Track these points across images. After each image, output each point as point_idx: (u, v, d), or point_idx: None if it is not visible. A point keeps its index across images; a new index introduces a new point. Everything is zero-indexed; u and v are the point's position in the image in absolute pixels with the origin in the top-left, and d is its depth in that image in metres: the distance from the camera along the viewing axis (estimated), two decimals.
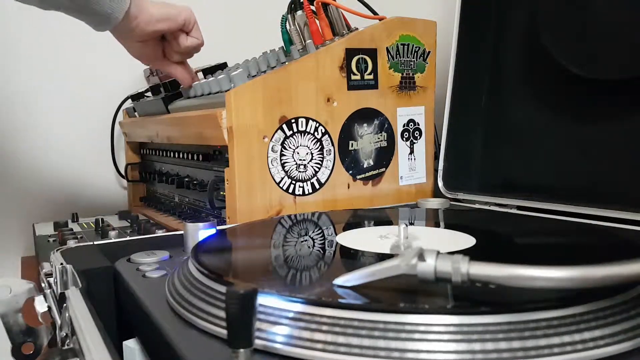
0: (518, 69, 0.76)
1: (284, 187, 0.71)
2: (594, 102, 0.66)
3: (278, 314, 0.31)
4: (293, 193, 0.71)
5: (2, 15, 1.07)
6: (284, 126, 0.70)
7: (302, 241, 0.50)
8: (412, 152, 0.82)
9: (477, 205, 0.75)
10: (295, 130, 0.71)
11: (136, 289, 0.43)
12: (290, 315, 0.30)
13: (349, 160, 0.76)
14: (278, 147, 0.70)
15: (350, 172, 0.76)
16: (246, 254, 0.49)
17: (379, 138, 0.79)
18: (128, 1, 0.67)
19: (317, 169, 0.73)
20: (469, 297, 0.31)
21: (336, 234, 0.52)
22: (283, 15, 0.80)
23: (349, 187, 0.76)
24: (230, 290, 0.26)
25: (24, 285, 0.46)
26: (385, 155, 0.80)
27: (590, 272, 0.27)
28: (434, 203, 0.73)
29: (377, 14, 0.85)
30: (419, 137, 0.83)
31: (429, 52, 0.82)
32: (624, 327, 0.29)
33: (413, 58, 0.81)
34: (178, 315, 0.36)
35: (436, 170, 0.82)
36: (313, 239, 0.51)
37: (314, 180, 0.73)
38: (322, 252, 0.47)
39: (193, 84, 0.81)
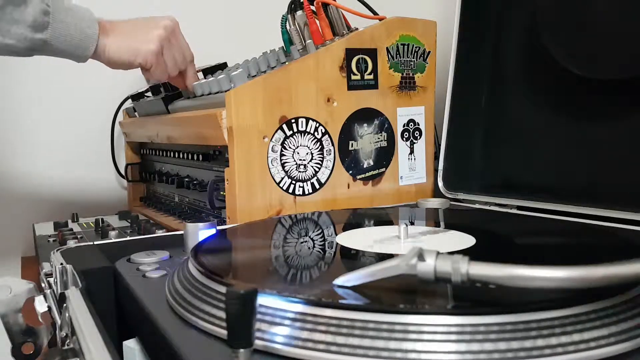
0: (518, 69, 0.76)
1: (284, 187, 0.71)
2: (594, 102, 0.66)
3: (278, 314, 0.31)
4: (293, 193, 0.71)
5: None
6: (284, 126, 0.70)
7: (302, 241, 0.50)
8: (412, 152, 0.82)
9: (477, 205, 0.75)
10: (295, 130, 0.71)
11: (136, 289, 0.43)
12: (290, 315, 0.30)
13: (349, 160, 0.76)
14: (278, 147, 0.70)
15: (350, 172, 0.76)
16: (246, 254, 0.49)
17: (379, 138, 0.79)
18: (93, 47, 0.70)
19: (317, 169, 0.73)
20: (468, 297, 0.31)
21: (336, 234, 0.52)
22: (283, 15, 0.80)
23: (349, 187, 0.76)
24: (230, 290, 0.26)
25: (24, 285, 0.46)
26: (385, 155, 0.80)
27: (590, 272, 0.27)
28: (434, 203, 0.73)
29: (377, 14, 0.85)
30: (419, 137, 0.83)
31: (429, 52, 0.82)
32: (624, 327, 0.29)
33: (413, 58, 0.81)
34: (178, 315, 0.36)
35: (436, 170, 0.82)
36: (313, 239, 0.51)
37: (314, 180, 0.73)
38: (322, 252, 0.47)
39: (193, 84, 0.81)
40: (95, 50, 0.70)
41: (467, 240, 0.47)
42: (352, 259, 0.44)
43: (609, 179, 0.64)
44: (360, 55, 0.76)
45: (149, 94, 1.03)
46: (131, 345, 0.40)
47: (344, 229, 0.54)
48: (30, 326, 0.46)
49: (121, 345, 0.40)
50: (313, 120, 0.72)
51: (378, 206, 0.75)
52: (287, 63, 0.75)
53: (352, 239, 0.49)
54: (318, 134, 0.73)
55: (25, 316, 0.46)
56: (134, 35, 0.74)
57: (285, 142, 0.70)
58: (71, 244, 0.70)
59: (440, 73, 0.84)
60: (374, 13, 0.86)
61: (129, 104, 1.12)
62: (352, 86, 0.75)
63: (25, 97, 1.10)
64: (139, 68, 0.76)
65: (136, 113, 1.05)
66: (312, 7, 0.77)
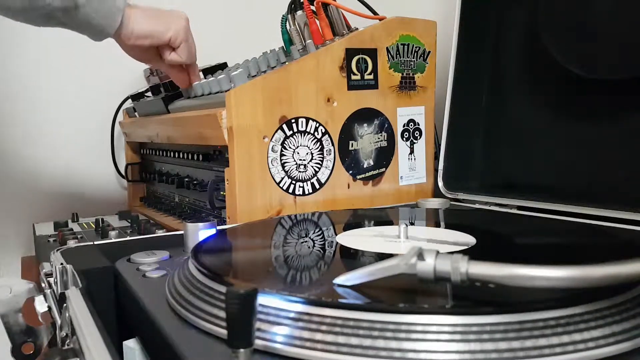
0: (518, 69, 0.76)
1: (284, 187, 0.71)
2: (594, 102, 0.66)
3: (278, 314, 0.31)
4: (293, 193, 0.71)
5: (3, 17, 1.07)
6: (284, 126, 0.70)
7: (302, 241, 0.50)
8: (412, 152, 0.82)
9: (477, 205, 0.75)
10: (295, 130, 0.71)
11: (136, 289, 0.43)
12: (291, 315, 0.30)
13: (349, 160, 0.76)
14: (278, 147, 0.70)
15: (350, 172, 0.76)
16: (246, 254, 0.49)
17: (379, 138, 0.79)
18: (119, 19, 0.69)
19: (317, 169, 0.73)
20: (468, 297, 0.31)
21: (336, 234, 0.52)
22: (283, 15, 0.80)
23: (349, 187, 0.76)
24: (230, 290, 0.26)
25: (24, 285, 0.46)
26: (385, 155, 0.80)
27: (590, 272, 0.27)
28: (434, 203, 0.73)
29: (377, 14, 0.85)
30: (419, 137, 0.83)
31: (429, 52, 0.82)
32: (624, 327, 0.29)
33: (413, 58, 0.81)
34: (178, 315, 0.36)
35: (436, 170, 0.82)
36: (313, 239, 0.51)
37: (314, 180, 0.73)
38: (322, 252, 0.47)
39: (193, 84, 0.81)
40: (121, 22, 0.69)
41: (467, 240, 0.47)
42: (352, 258, 0.44)
43: (609, 179, 0.64)
44: (360, 55, 0.76)
45: (149, 94, 1.03)
46: (131, 345, 0.40)
47: (344, 229, 0.54)
48: (30, 326, 0.46)
49: (121, 345, 0.40)
50: (313, 120, 0.72)
51: (378, 206, 0.75)
52: (287, 63, 0.75)
53: (352, 238, 0.49)
54: (318, 134, 0.73)
55: (25, 316, 0.46)
56: (161, 13, 0.74)
57: (285, 142, 0.70)
58: (71, 244, 0.70)
59: (440, 73, 0.84)
60: (374, 13, 0.86)
61: (129, 104, 1.12)
62: (352, 86, 0.75)
63: (25, 97, 1.10)
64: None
65: (136, 113, 1.05)
66: (312, 7, 0.77)
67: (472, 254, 0.30)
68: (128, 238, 0.60)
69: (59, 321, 0.41)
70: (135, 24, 0.71)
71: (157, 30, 0.72)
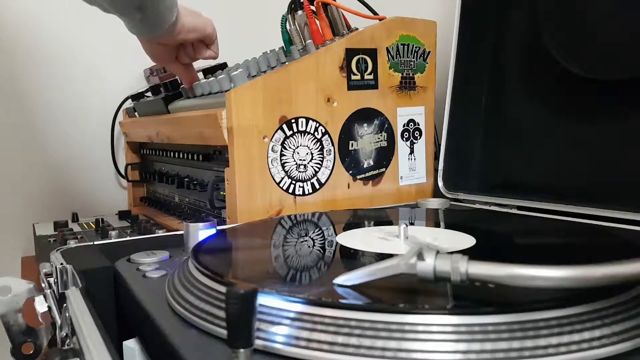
0: (518, 69, 0.76)
1: (284, 187, 0.71)
2: (594, 102, 0.66)
3: (278, 314, 0.31)
4: (293, 193, 0.71)
5: (3, 17, 1.07)
6: (284, 126, 0.70)
7: (302, 241, 0.50)
8: (412, 152, 0.82)
9: (477, 205, 0.75)
10: (295, 130, 0.71)
11: (136, 289, 0.43)
12: (290, 315, 0.30)
13: (349, 160, 0.76)
14: (278, 147, 0.70)
15: (350, 172, 0.76)
16: (246, 254, 0.49)
17: (379, 138, 0.79)
18: (175, 12, 0.70)
19: (317, 169, 0.73)
20: (468, 297, 0.31)
21: (336, 234, 0.52)
22: (283, 15, 0.80)
23: (349, 187, 0.76)
24: (230, 290, 0.26)
25: (24, 285, 0.46)
26: (385, 155, 0.80)
27: (590, 272, 0.27)
28: (434, 203, 0.73)
29: (377, 14, 0.85)
30: (419, 137, 0.83)
31: (429, 52, 0.82)
32: (624, 327, 0.29)
33: (413, 58, 0.81)
34: (178, 315, 0.36)
35: (436, 170, 0.82)
36: (313, 239, 0.51)
37: (314, 180, 0.73)
38: (322, 252, 0.47)
39: (193, 84, 0.81)
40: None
41: (467, 240, 0.47)
42: (352, 258, 0.44)
43: (609, 179, 0.64)
44: (360, 55, 0.76)
45: (149, 94, 1.03)
46: (131, 345, 0.40)
47: (344, 229, 0.54)
48: (30, 326, 0.46)
49: (121, 345, 0.40)
50: (313, 120, 0.72)
51: (378, 206, 0.75)
52: (287, 63, 0.75)
53: (352, 239, 0.49)
54: (318, 134, 0.73)
55: (25, 316, 0.46)
56: (195, 11, 0.76)
57: (285, 142, 0.70)
58: (71, 244, 0.70)
59: (440, 73, 0.84)
60: (374, 13, 0.86)
61: (129, 104, 1.12)
62: (352, 86, 0.75)
63: (25, 97, 1.10)
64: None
65: (136, 113, 1.05)
66: (312, 7, 0.77)
67: (472, 254, 0.30)
68: (128, 238, 0.60)
69: (59, 321, 0.41)
70: (184, 18, 0.72)
71: (201, 25, 0.75)
